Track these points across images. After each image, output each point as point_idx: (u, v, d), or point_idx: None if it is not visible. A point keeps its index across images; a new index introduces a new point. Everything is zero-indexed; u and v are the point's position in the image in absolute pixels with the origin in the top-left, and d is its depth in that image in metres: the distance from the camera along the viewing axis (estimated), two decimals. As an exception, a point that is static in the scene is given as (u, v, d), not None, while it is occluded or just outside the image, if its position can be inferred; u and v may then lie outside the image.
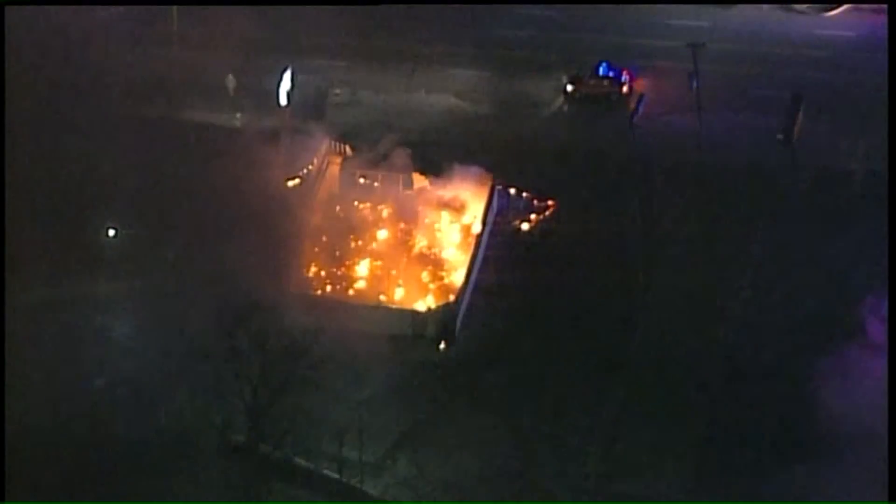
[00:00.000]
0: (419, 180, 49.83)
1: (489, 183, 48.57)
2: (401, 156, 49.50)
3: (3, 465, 34.58)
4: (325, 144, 50.78)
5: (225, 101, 52.61)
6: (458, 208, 49.01)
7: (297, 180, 49.64)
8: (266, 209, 46.52)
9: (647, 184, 47.56)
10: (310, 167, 50.24)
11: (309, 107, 52.68)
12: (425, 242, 48.21)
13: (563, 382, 41.28)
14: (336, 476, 37.61)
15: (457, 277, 46.38)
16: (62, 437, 38.37)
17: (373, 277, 46.93)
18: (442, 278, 46.71)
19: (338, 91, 53.98)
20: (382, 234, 48.60)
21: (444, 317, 43.76)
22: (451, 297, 44.96)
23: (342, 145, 50.90)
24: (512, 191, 48.68)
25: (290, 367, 35.72)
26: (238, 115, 52.62)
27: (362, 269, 47.36)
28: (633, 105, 51.80)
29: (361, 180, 50.19)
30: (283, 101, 51.43)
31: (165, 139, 49.37)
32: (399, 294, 46.08)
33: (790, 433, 37.58)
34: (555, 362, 42.02)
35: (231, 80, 52.94)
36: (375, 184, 49.98)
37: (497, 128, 52.03)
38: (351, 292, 46.42)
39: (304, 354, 35.96)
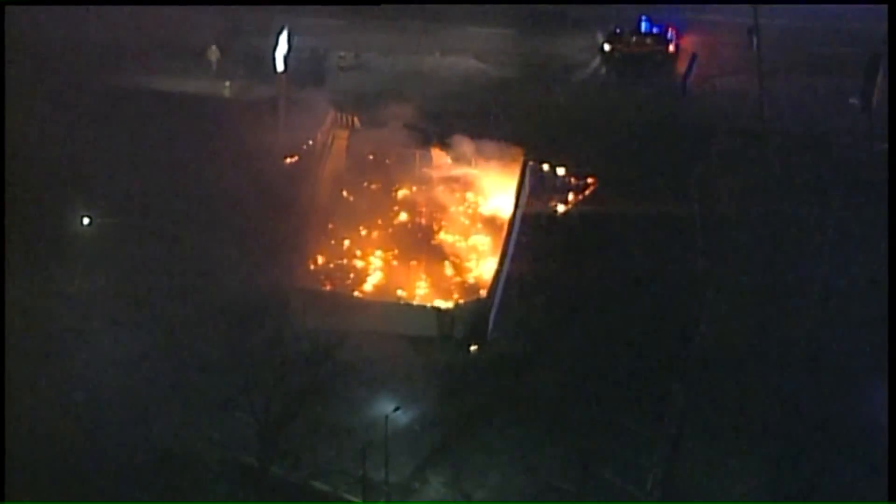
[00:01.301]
0: (438, 157, 49.61)
1: (520, 159, 48.24)
2: (416, 129, 49.24)
3: (3, 465, 35.01)
4: (329, 116, 50.35)
5: (212, 69, 52.44)
6: (484, 189, 48.87)
7: (296, 158, 49.30)
8: (262, 192, 46.32)
9: (702, 157, 47.32)
10: (310, 142, 49.90)
11: (308, 73, 52.32)
12: (448, 229, 47.98)
13: (613, 389, 40.86)
14: (359, 501, 37.22)
15: (486, 269, 46.15)
16: (36, 461, 37.54)
17: (389, 270, 46.71)
18: (469, 270, 46.55)
19: (342, 54, 53.44)
20: (398, 220, 48.39)
21: (473, 315, 43.47)
22: (481, 293, 44.67)
23: (349, 117, 50.55)
24: (545, 167, 48.35)
25: (309, 376, 35.38)
26: (227, 83, 52.26)
27: (376, 260, 47.07)
28: (683, 66, 51.46)
29: (371, 157, 49.91)
30: (279, 66, 51.00)
31: (144, 114, 49.01)
32: (420, 289, 45.88)
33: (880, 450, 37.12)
34: (602, 366, 41.68)
35: (214, 52, 52.57)
36: (388, 161, 49.75)
37: (525, 95, 51.85)
38: (365, 288, 46.17)
39: (324, 360, 35.63)
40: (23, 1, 48.85)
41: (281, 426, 35.35)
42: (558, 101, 51.17)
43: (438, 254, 46.97)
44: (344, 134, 50.27)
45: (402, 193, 49.10)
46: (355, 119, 50.28)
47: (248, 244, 44.33)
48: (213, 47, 52.31)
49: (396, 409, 38.14)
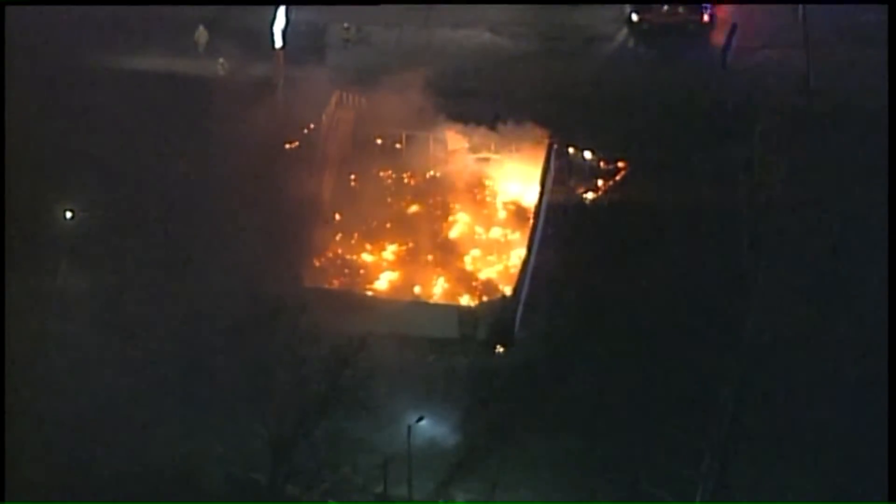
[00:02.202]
0: (454, 140, 49.17)
1: (544, 142, 48.00)
2: (429, 110, 48.78)
3: (2, 465, 35.52)
4: (333, 97, 49.92)
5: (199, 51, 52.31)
6: (505, 175, 48.56)
7: (297, 143, 49.03)
8: (260, 181, 46.21)
9: (745, 138, 47.03)
10: (311, 126, 49.50)
11: (307, 48, 51.99)
12: (467, 219, 47.77)
13: (655, 395, 40.80)
14: (380, 521, 37.29)
15: (510, 263, 46.03)
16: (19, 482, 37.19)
17: (403, 265, 46.56)
18: (491, 265, 46.36)
19: (346, 25, 53.11)
20: (411, 210, 48.13)
21: (497, 314, 43.45)
22: (506, 289, 44.58)
23: (355, 97, 50.10)
24: (571, 151, 48.10)
25: (329, 383, 35.34)
26: (221, 61, 51.85)
27: (388, 255, 46.95)
28: (719, 37, 51.21)
29: (379, 141, 49.61)
30: (277, 42, 50.66)
31: (130, 97, 48.54)
32: (438, 287, 45.77)
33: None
34: (641, 369, 41.56)
35: (202, 34, 52.29)
36: (398, 145, 49.44)
37: (546, 71, 51.55)
38: (377, 285, 46.04)
39: (346, 366, 35.67)
40: (23, 1, 48.95)
41: (295, 440, 34.91)
42: (583, 78, 50.86)
43: (457, 247, 46.82)
44: (350, 116, 49.83)
45: (414, 181, 48.84)
46: (362, 100, 49.79)
47: (246, 238, 44.05)
48: (201, 28, 51.97)
49: (420, 419, 37.99)
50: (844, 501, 36.55)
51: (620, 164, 47.80)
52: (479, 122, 49.04)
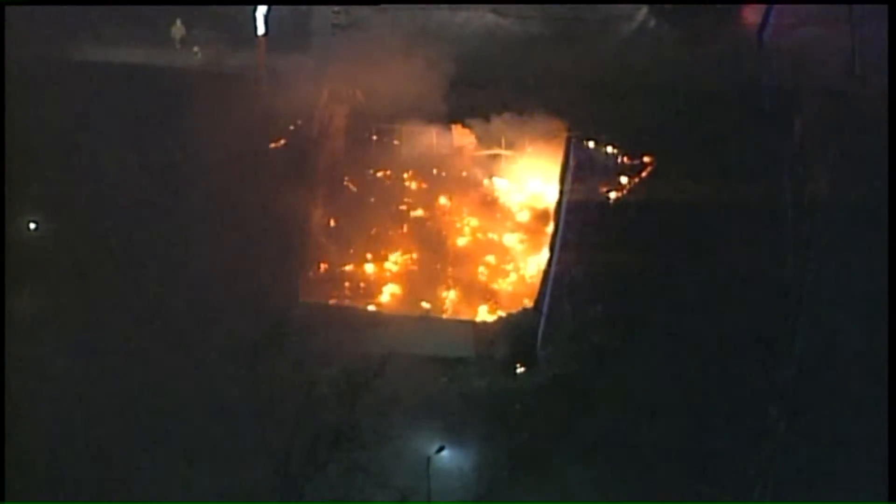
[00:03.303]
0: (460, 135, 49.46)
1: (560, 134, 48.18)
2: (431, 102, 48.77)
3: (2, 465, 36.22)
4: (323, 89, 49.97)
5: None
6: (519, 173, 48.88)
7: (283, 142, 49.13)
8: (243, 185, 46.11)
9: (785, 127, 47.09)
10: (299, 122, 49.64)
11: (294, 35, 52.01)
12: (478, 224, 47.96)
13: (695, 416, 40.79)
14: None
15: (528, 272, 46.26)
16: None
17: (408, 277, 46.67)
18: (507, 274, 46.51)
19: (336, 9, 53.05)
20: (414, 214, 48.23)
21: (517, 330, 43.50)
22: (525, 302, 44.73)
23: (348, 89, 50.17)
24: (590, 144, 48.30)
25: (341, 414, 35.68)
26: (196, 49, 51.95)
27: (391, 265, 47.01)
28: (753, 15, 51.32)
29: (375, 137, 49.66)
30: (259, 28, 50.74)
31: (99, 93, 48.45)
32: (448, 300, 45.89)
33: None
34: (679, 388, 41.58)
35: (179, 28, 52.31)
36: (396, 142, 49.43)
37: (558, 56, 51.53)
38: (380, 299, 46.15)
39: (364, 391, 36.11)
40: (23, 1, 49.32)
41: (305, 476, 34.88)
42: (601, 63, 50.91)
43: (468, 256, 46.96)
44: (342, 111, 49.95)
45: (417, 182, 49.02)
46: (356, 92, 49.80)
47: (232, 250, 43.97)
48: (179, 22, 51.96)
49: (440, 448, 38.01)
50: (844, 501, 36.97)
51: (646, 159, 47.93)
52: (486, 115, 49.28)
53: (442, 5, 54.35)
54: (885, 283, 42.57)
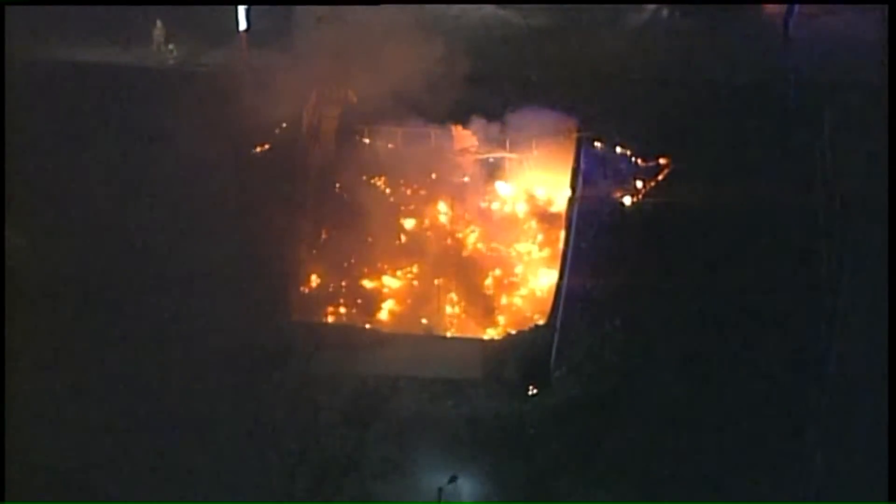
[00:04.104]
0: (462, 137, 49.45)
1: (569, 135, 48.09)
2: (429, 102, 48.28)
3: (2, 465, 37.13)
4: (311, 88, 49.77)
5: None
6: (526, 177, 48.83)
7: (268, 146, 48.94)
8: (224, 192, 46.18)
9: (814, 124, 47.10)
10: (284, 125, 49.43)
11: (278, 30, 51.75)
12: (482, 233, 47.98)
13: (723, 437, 40.86)
14: None
15: (539, 285, 46.25)
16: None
17: (408, 293, 46.69)
18: (516, 288, 46.46)
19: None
20: (409, 224, 48.27)
21: (528, 348, 43.40)
22: (536, 318, 44.73)
23: (341, 89, 50.03)
24: (601, 145, 48.16)
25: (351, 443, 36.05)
26: (171, 47, 51.97)
27: (390, 279, 47.03)
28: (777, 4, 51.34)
29: (367, 141, 49.61)
30: (241, 23, 50.84)
31: (58, 91, 48.33)
32: (452, 317, 45.92)
33: None
34: (704, 407, 41.66)
35: (159, 30, 52.27)
36: (390, 146, 49.51)
37: (564, 47, 51.58)
38: (379, 317, 46.15)
39: (372, 417, 36.74)
40: (23, 1, 49.73)
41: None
42: (611, 56, 50.87)
43: (472, 268, 46.91)
44: (334, 112, 49.81)
45: (415, 188, 49.01)
46: (349, 92, 49.78)
47: (215, 265, 44.00)
48: (159, 23, 51.85)
49: (453, 479, 38.30)
50: (844, 501, 37.62)
51: (663, 161, 47.80)
52: (488, 115, 49.14)
53: (438, -1, 54.57)
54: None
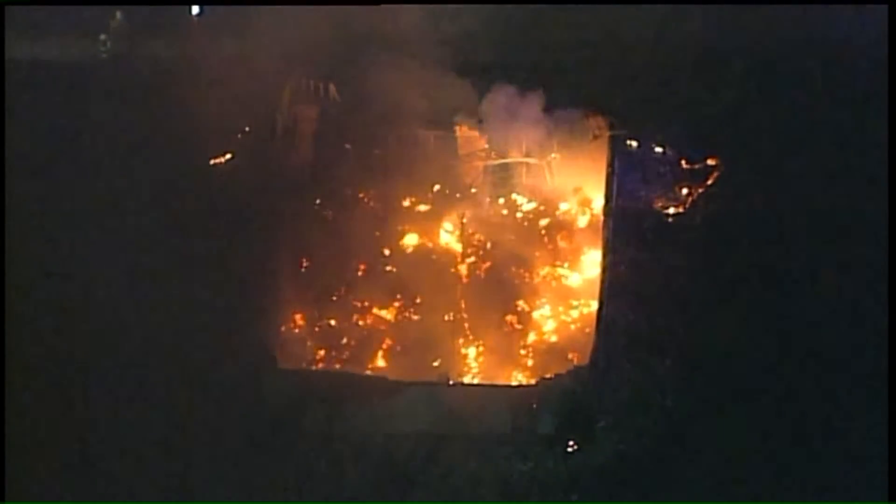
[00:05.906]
0: (468, 140, 49.73)
1: (599, 134, 48.27)
2: (427, 98, 48.83)
3: (2, 465, 39.07)
4: (284, 85, 49.78)
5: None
6: (549, 186, 49.25)
7: (229, 156, 48.92)
8: (180, 214, 45.69)
9: (878, 115, 46.67)
10: (247, 129, 49.46)
11: (241, 12, 51.35)
12: (499, 256, 48.06)
13: (792, 488, 40.62)
14: None
15: (572, 317, 46.58)
16: None
17: (411, 329, 46.59)
18: (543, 322, 46.60)
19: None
20: (413, 245, 48.48)
21: (565, 395, 43.12)
22: (571, 357, 44.95)
23: (321, 85, 50.12)
24: (637, 145, 47.93)
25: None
26: (103, 38, 51.97)
27: (387, 313, 47.03)
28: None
29: (348, 146, 49.79)
30: (193, 7, 51.44)
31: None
32: (470, 360, 45.92)
33: None
34: (771, 453, 41.50)
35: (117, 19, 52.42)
36: (377, 151, 49.65)
37: (588, 33, 51.54)
38: (377, 362, 46.04)
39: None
40: (23, 1, 50.75)
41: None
42: (643, 41, 51.02)
43: (489, 297, 46.86)
44: (313, 112, 49.84)
45: (413, 202, 49.34)
46: (332, 87, 49.88)
47: (179, 307, 43.51)
48: (118, 14, 52.13)
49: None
50: (844, 501, 38.85)
51: (711, 162, 47.89)
52: (500, 112, 49.11)
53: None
54: None
